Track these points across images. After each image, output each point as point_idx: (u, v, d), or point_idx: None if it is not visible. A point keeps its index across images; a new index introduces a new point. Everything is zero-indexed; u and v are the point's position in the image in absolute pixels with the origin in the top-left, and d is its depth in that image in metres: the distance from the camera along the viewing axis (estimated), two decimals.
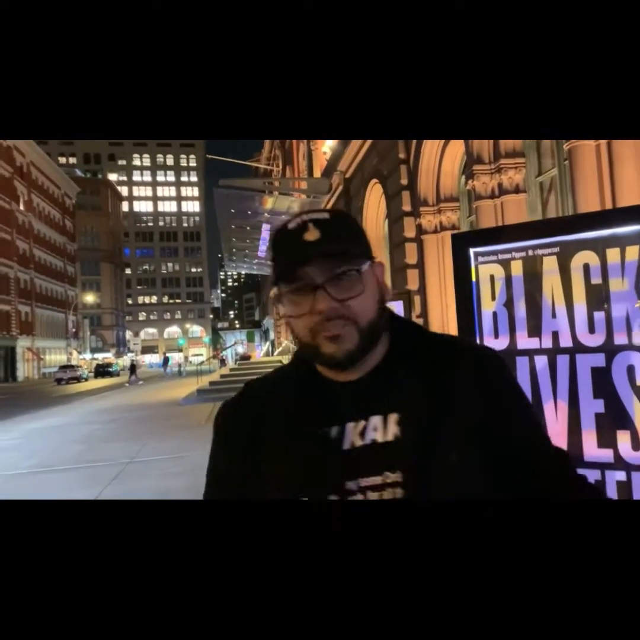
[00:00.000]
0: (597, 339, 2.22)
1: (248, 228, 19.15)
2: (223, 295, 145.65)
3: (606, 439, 2.18)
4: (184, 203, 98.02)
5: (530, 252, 2.36)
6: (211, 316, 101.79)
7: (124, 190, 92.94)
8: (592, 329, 2.23)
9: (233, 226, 18.50)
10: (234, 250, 23.18)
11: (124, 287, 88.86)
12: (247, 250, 23.29)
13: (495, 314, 2.43)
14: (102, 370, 46.05)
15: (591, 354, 2.23)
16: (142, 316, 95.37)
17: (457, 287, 2.53)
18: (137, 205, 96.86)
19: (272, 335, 37.07)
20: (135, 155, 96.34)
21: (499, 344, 2.41)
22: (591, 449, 2.22)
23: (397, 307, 5.26)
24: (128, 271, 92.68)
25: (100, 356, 68.74)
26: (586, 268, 2.24)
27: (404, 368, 0.82)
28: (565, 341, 2.28)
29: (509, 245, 2.41)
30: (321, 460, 0.79)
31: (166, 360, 42.55)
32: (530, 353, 2.35)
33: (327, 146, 17.29)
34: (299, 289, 0.77)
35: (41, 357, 55.78)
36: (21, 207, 53.34)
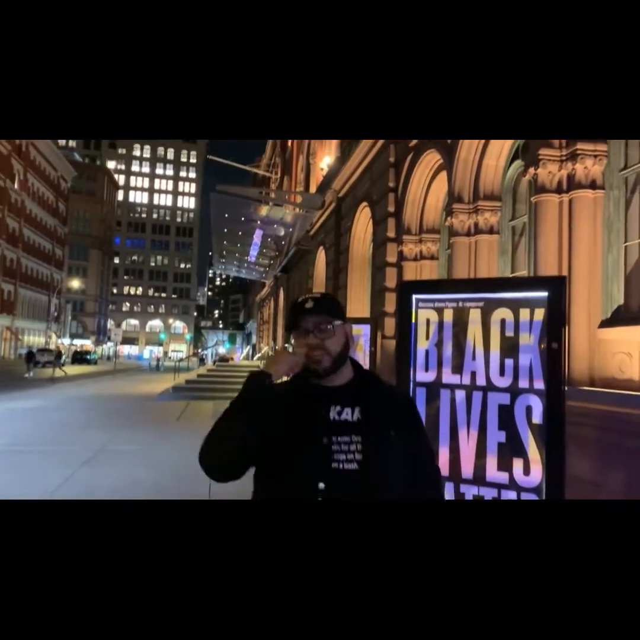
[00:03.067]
0: (505, 381, 2.71)
1: (240, 233, 19.55)
2: (210, 293, 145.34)
3: (504, 464, 2.66)
4: (180, 198, 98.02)
5: (460, 304, 2.84)
6: (195, 314, 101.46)
7: (120, 179, 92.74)
8: (502, 373, 2.72)
9: (225, 230, 18.88)
10: (224, 252, 23.55)
11: (111, 275, 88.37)
12: (237, 254, 23.68)
13: (427, 352, 2.91)
14: (79, 357, 45.95)
15: (499, 393, 2.71)
16: (125, 307, 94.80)
17: (400, 325, 3.01)
18: (133, 196, 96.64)
19: (254, 339, 37.44)
20: (136, 145, 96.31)
21: (428, 376, 2.89)
22: (492, 471, 2.70)
23: (364, 329, 5.72)
24: (116, 260, 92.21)
25: (79, 342, 68.22)
26: (503, 322, 2.73)
27: (363, 385, 1.47)
28: (481, 380, 2.76)
29: (444, 296, 2.89)
30: (316, 423, 1.38)
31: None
32: (452, 387, 2.83)
33: (325, 163, 17.80)
34: (300, 333, 1.43)
35: (19, 336, 55.29)
36: (16, 186, 53.09)
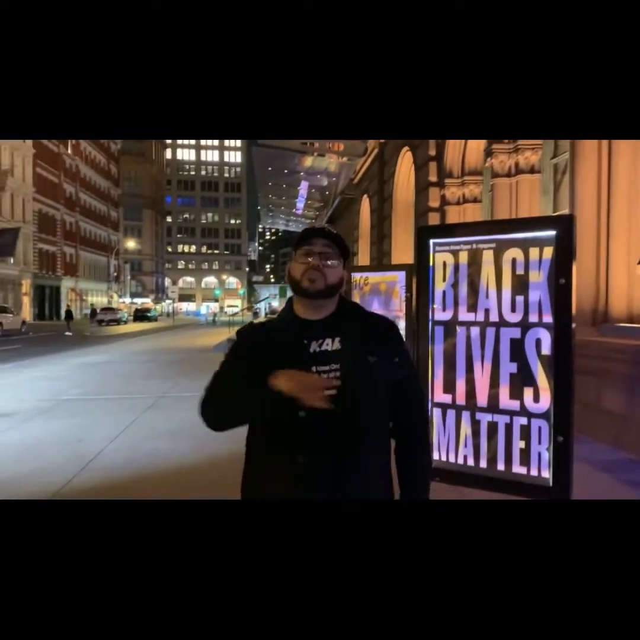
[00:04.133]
0: (516, 317, 2.90)
1: (284, 186, 19.64)
2: (260, 248, 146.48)
3: (515, 393, 2.89)
4: (226, 153, 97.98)
5: (474, 246, 3.01)
6: (248, 269, 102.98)
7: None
8: (514, 309, 2.91)
9: (270, 183, 19.03)
10: (270, 206, 23.76)
11: (165, 234, 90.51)
12: (283, 207, 23.84)
13: (444, 292, 3.12)
14: (140, 315, 48.13)
15: (511, 328, 2.91)
16: (181, 265, 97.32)
17: (419, 269, 3.22)
18: (180, 153, 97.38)
19: None
20: None
21: (445, 315, 3.12)
22: (504, 399, 2.94)
23: (399, 276, 5.92)
24: (169, 219, 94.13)
25: (139, 301, 71.02)
26: (514, 261, 2.90)
27: (345, 317, 1.51)
28: (494, 316, 2.96)
29: (458, 239, 3.07)
30: (299, 355, 1.44)
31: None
32: (467, 324, 3.05)
33: None
34: (306, 251, 1.45)
35: (83, 297, 58.23)
36: (69, 151, 54.67)
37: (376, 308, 6.22)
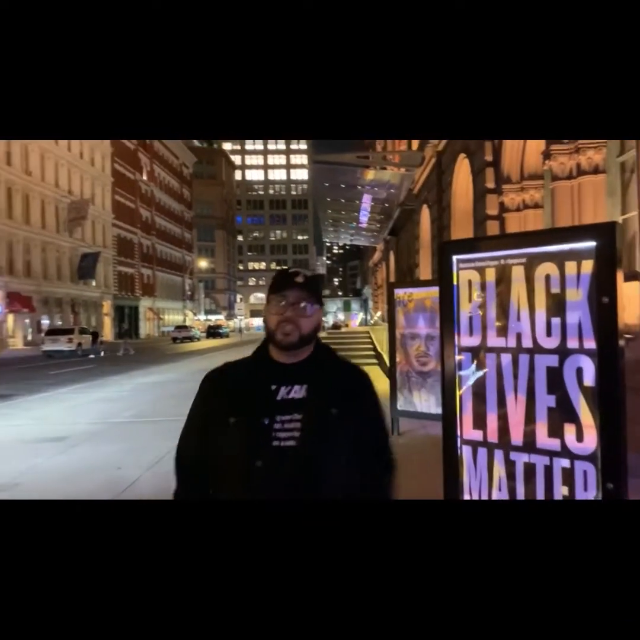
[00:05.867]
0: (552, 342, 2.51)
1: (343, 200, 19.54)
2: (328, 262, 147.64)
3: (555, 430, 2.49)
4: (293, 171, 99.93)
5: (501, 262, 2.65)
6: None
7: (237, 159, 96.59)
8: (549, 333, 2.52)
9: (328, 199, 18.99)
10: (330, 220, 23.75)
11: (236, 253, 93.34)
12: (343, 221, 23.73)
13: (470, 315, 2.76)
14: (212, 332, 49.57)
15: (547, 355, 2.52)
16: (251, 281, 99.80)
17: (442, 289, 2.89)
18: (249, 174, 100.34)
19: (370, 304, 37.55)
20: None
21: (472, 341, 2.76)
22: (542, 438, 2.54)
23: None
24: (240, 238, 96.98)
25: (213, 318, 73.38)
26: (547, 278, 2.51)
27: (316, 365, 1.45)
28: (527, 342, 2.58)
29: (484, 254, 2.72)
30: (266, 402, 1.38)
31: None
32: (497, 351, 2.68)
33: None
34: (280, 301, 1.40)
35: (160, 316, 60.87)
36: (144, 177, 57.70)
37: (421, 326, 5.86)
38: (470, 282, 2.78)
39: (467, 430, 2.81)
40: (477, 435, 2.78)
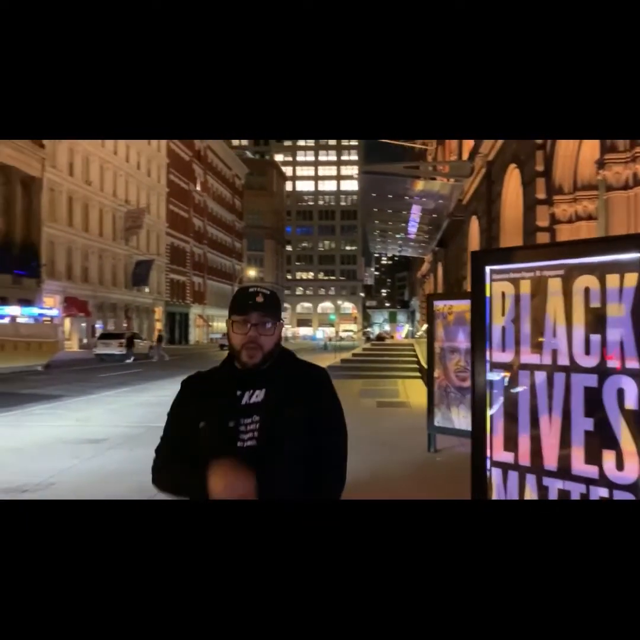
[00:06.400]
0: (591, 360, 2.33)
1: (390, 211, 19.41)
2: (377, 273, 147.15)
3: (593, 456, 2.30)
4: (342, 182, 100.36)
5: (537, 273, 2.49)
6: (363, 294, 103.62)
7: (288, 171, 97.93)
8: (588, 351, 2.34)
9: (375, 209, 18.90)
10: (378, 231, 23.63)
11: (285, 263, 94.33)
12: (390, 232, 23.56)
13: (503, 329, 2.62)
14: None
15: (585, 374, 2.34)
16: (299, 291, 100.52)
17: (473, 301, 2.74)
18: (300, 185, 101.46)
19: (418, 316, 37.00)
20: None
21: (505, 356, 2.60)
22: (579, 463, 2.36)
23: None
24: (288, 248, 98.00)
25: None
26: (587, 291, 2.34)
27: (277, 371, 1.55)
28: (563, 359, 2.41)
29: (519, 265, 2.56)
30: (232, 407, 1.51)
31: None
32: (531, 368, 2.52)
33: None
34: (243, 322, 1.51)
35: (209, 323, 62.12)
36: (198, 188, 59.25)
37: (461, 339, 5.66)
38: (503, 294, 2.63)
39: (497, 451, 2.64)
40: (508, 457, 2.61)
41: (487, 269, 2.68)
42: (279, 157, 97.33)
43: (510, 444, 2.59)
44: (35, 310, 30.36)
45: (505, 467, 2.61)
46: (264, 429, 1.46)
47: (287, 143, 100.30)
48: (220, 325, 63.58)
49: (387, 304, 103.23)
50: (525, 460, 2.53)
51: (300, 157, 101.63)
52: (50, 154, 33.79)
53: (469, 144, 18.07)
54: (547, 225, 9.73)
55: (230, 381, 1.53)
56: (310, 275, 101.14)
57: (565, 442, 2.39)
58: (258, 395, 1.50)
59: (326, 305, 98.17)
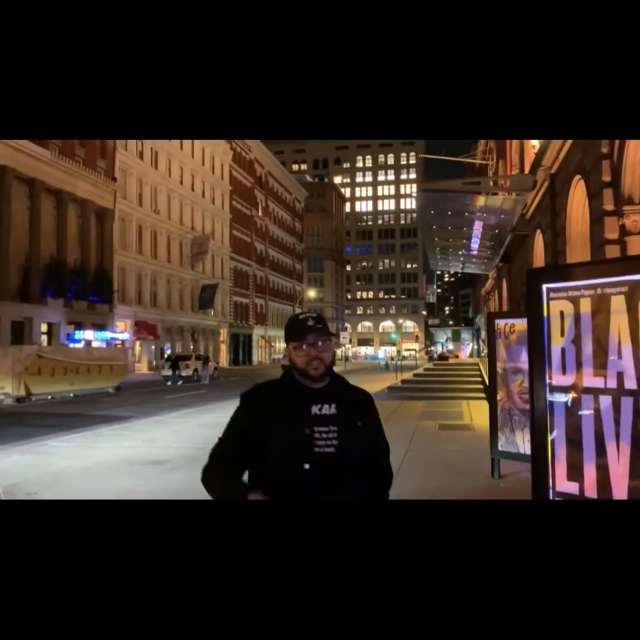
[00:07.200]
0: None
1: (449, 227, 19.07)
2: (439, 291, 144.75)
3: None
4: (402, 200, 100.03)
5: (598, 291, 2.35)
6: (425, 312, 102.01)
7: (347, 192, 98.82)
8: None
9: (434, 227, 18.64)
10: (438, 249, 23.27)
11: (344, 282, 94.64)
12: (451, 249, 23.13)
13: (563, 350, 2.47)
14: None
15: None
16: (359, 310, 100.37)
17: (530, 321, 2.61)
18: (359, 206, 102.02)
19: (483, 334, 35.94)
20: (359, 157, 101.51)
21: (566, 380, 2.46)
22: None
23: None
24: (348, 268, 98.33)
25: None
26: None
27: (336, 387, 1.83)
28: (630, 383, 2.24)
29: (578, 282, 2.42)
30: (302, 415, 1.72)
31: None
32: (595, 392, 2.36)
33: (536, 139, 16.29)
34: (302, 345, 1.75)
35: (272, 344, 63.01)
36: (259, 213, 60.81)
37: (524, 360, 5.42)
38: (562, 313, 2.49)
39: (561, 481, 2.48)
40: (573, 487, 2.43)
41: (544, 287, 2.55)
42: (337, 179, 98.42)
43: (575, 473, 2.42)
44: (108, 334, 31.92)
45: (569, 498, 2.43)
46: (343, 438, 1.70)
47: (346, 165, 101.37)
48: (281, 345, 64.23)
49: (450, 322, 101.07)
50: (591, 491, 2.35)
51: (359, 179, 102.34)
52: (121, 185, 35.77)
53: (530, 156, 17.57)
54: (617, 238, 9.23)
55: (298, 395, 1.75)
56: (371, 294, 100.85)
57: (636, 471, 2.21)
58: (326, 409, 1.74)
59: (387, 324, 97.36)
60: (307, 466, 1.64)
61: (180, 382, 25.51)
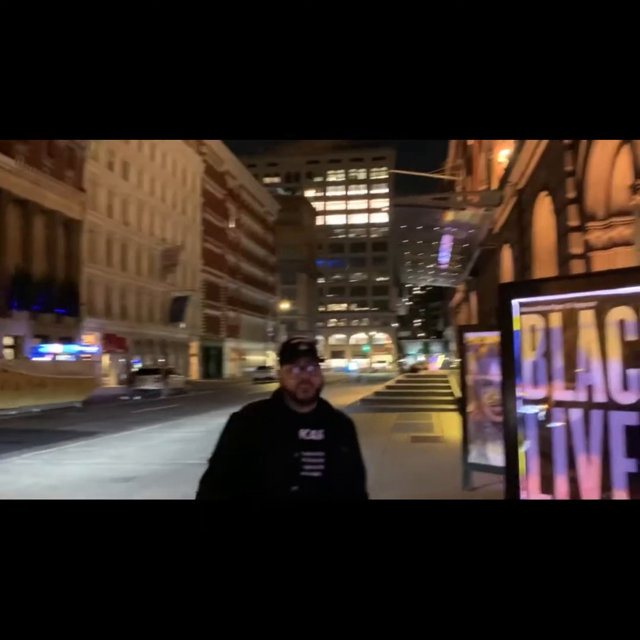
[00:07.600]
0: (630, 397, 2.20)
1: (420, 242, 19.38)
2: (409, 303, 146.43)
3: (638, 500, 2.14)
4: (373, 215, 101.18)
5: (568, 305, 2.40)
6: (396, 324, 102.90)
7: (319, 206, 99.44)
8: (626, 386, 2.22)
9: (405, 241, 18.92)
10: (409, 262, 23.59)
11: (317, 295, 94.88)
12: (421, 263, 23.49)
13: (535, 364, 2.51)
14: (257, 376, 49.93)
15: (624, 412, 2.21)
16: (332, 322, 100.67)
17: (502, 335, 2.65)
18: (330, 219, 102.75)
19: (452, 346, 36.46)
20: (330, 171, 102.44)
21: (537, 393, 2.49)
22: None
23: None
24: (321, 280, 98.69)
25: None
26: (622, 324, 2.23)
27: (323, 413, 1.90)
28: (600, 396, 2.29)
29: (549, 297, 2.47)
30: (290, 442, 1.78)
31: None
32: (565, 405, 2.39)
33: (503, 156, 16.73)
34: (294, 368, 1.83)
35: (244, 357, 62.55)
36: (231, 225, 60.63)
37: (494, 373, 5.50)
38: (533, 327, 2.53)
39: (534, 492, 2.51)
40: (546, 500, 2.46)
41: (515, 302, 2.60)
42: (309, 193, 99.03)
43: (546, 486, 2.45)
44: (75, 348, 31.20)
45: None
46: (329, 463, 1.79)
47: (317, 179, 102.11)
48: (254, 358, 63.93)
49: (421, 334, 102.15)
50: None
51: (330, 193, 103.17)
52: (91, 196, 35.22)
53: (498, 172, 18.01)
54: (582, 253, 9.51)
55: (289, 419, 1.82)
56: (343, 307, 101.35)
57: (606, 484, 2.25)
58: (317, 434, 1.81)
59: (359, 337, 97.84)
60: (294, 488, 1.71)
61: (137, 397, 24.26)
